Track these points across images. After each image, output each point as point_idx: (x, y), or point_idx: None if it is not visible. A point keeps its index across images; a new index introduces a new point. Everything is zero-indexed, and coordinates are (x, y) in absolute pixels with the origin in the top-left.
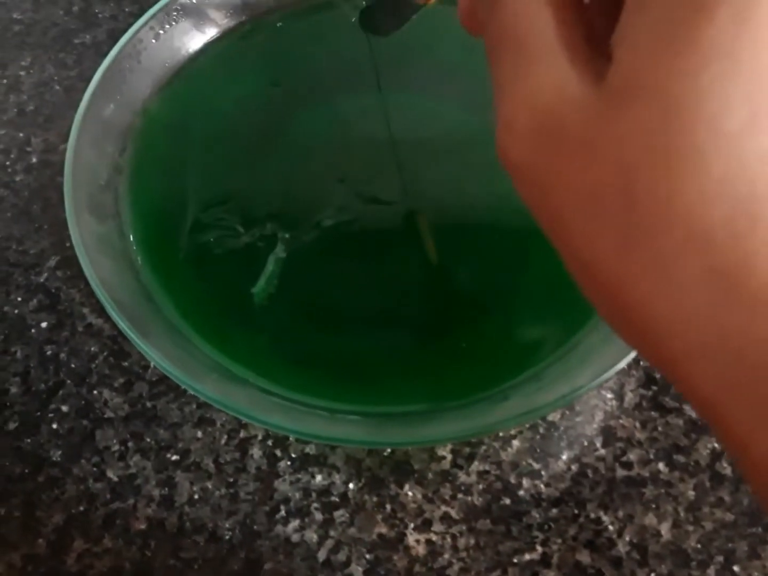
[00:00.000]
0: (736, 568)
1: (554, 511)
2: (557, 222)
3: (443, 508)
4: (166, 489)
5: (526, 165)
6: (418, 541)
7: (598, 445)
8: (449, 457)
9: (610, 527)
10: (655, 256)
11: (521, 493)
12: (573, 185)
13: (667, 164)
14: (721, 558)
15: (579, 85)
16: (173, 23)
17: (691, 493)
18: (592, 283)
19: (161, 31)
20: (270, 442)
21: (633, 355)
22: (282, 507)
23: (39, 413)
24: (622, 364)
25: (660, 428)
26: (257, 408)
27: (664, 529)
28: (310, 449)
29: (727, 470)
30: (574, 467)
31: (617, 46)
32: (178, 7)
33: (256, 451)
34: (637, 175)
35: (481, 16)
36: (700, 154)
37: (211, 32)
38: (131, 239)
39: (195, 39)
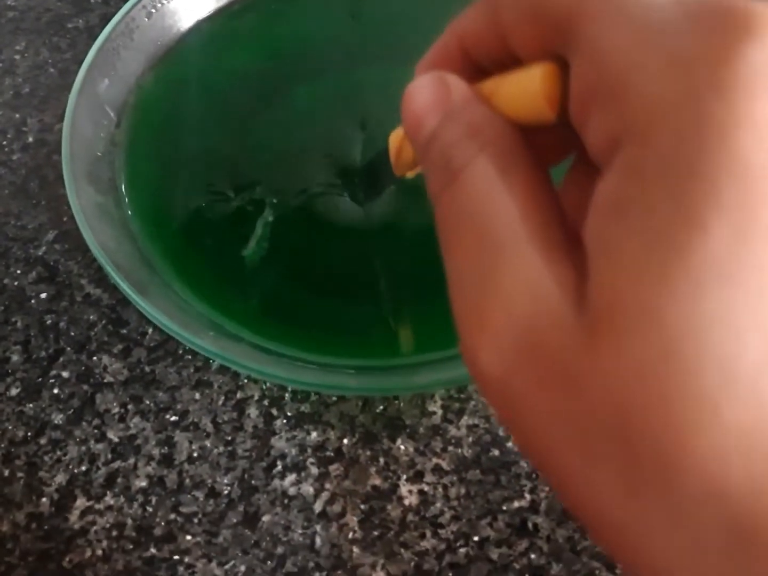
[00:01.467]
0: None
1: None
2: (540, 449)
3: (434, 460)
4: (166, 448)
5: (500, 380)
6: (410, 491)
7: None
8: (440, 412)
9: None
10: (665, 509)
11: (509, 444)
12: (559, 416)
13: (669, 412)
14: None
15: (557, 297)
16: (165, 2)
17: None
18: (594, 524)
19: (153, 10)
20: (266, 402)
21: None
22: (279, 462)
23: (40, 379)
24: None
25: None
26: (253, 360)
27: None
28: (305, 408)
29: None
30: None
31: (595, 255)
32: None
33: (252, 411)
34: (634, 420)
35: (432, 185)
36: (710, 400)
37: (202, 11)
38: (128, 207)
39: (186, 18)
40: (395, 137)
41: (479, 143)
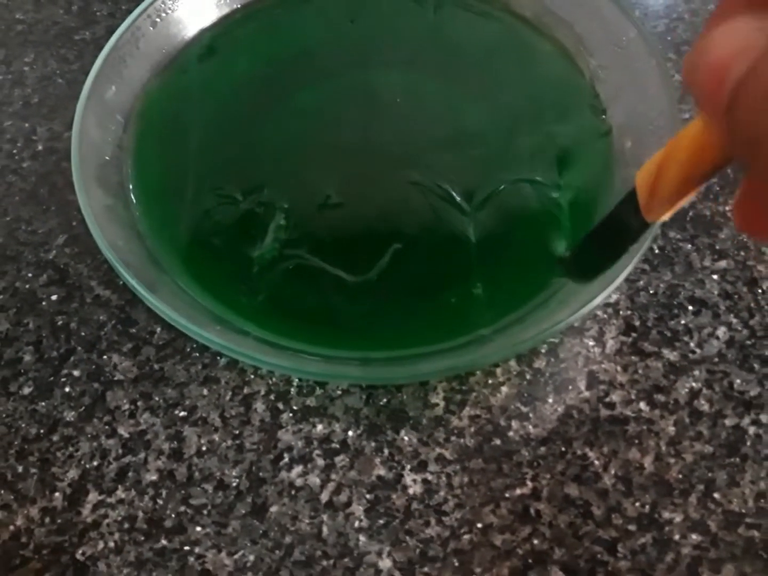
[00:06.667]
0: (716, 495)
1: (542, 449)
2: None
3: (438, 450)
4: (175, 442)
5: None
6: (414, 480)
7: (582, 388)
8: (442, 404)
9: (596, 462)
10: None
11: (510, 434)
12: None
13: None
14: (702, 487)
15: None
16: (169, 12)
17: (672, 429)
18: None
19: (158, 19)
20: (272, 397)
21: (607, 293)
22: (285, 455)
23: (52, 378)
24: (597, 301)
25: (640, 371)
26: (259, 353)
27: (647, 462)
28: (310, 401)
29: (705, 407)
30: (560, 409)
31: None
32: None
33: (259, 405)
34: None
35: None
36: None
37: (206, 20)
38: (136, 209)
39: (191, 26)
40: (646, 172)
41: None
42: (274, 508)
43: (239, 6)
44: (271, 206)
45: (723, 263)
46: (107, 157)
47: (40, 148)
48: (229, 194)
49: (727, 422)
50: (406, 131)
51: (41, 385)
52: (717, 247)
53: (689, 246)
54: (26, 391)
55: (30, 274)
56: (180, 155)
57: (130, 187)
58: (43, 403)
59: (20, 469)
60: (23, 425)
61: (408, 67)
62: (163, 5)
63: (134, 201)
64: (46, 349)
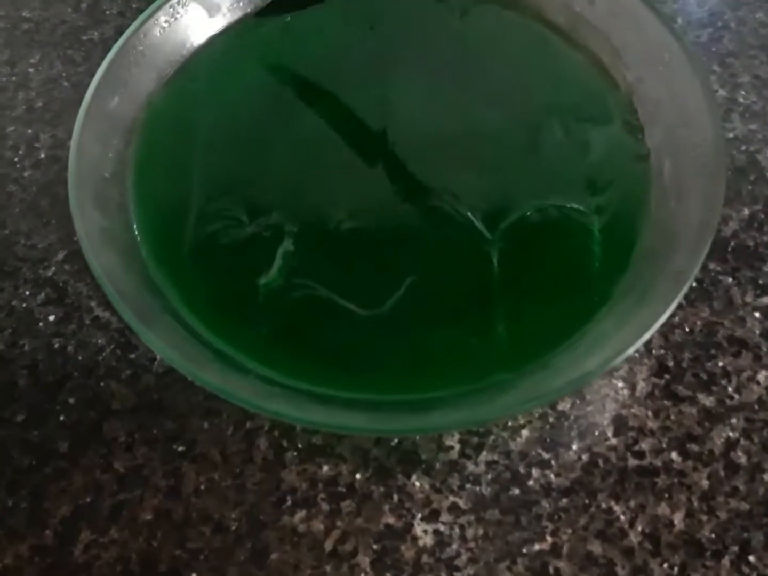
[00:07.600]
0: (751, 558)
1: (564, 500)
2: None
3: (451, 498)
4: (173, 480)
5: None
6: (425, 531)
7: (610, 434)
8: (457, 447)
9: (622, 517)
10: None
11: (530, 482)
12: None
13: None
14: (735, 548)
15: None
16: (178, 17)
17: (705, 483)
18: None
19: (166, 25)
20: (276, 433)
21: (642, 341)
22: (288, 497)
23: (47, 406)
24: (631, 350)
25: (673, 417)
26: (259, 396)
27: (677, 518)
28: (316, 440)
29: (742, 459)
30: (584, 457)
31: None
32: (183, 1)
33: (262, 442)
34: None
35: None
36: None
37: (215, 26)
38: (136, 232)
39: (199, 33)
40: None
41: None
42: (274, 555)
43: (252, 11)
44: (279, 230)
45: (766, 299)
46: (107, 175)
47: (42, 156)
48: (235, 216)
49: (766, 477)
50: (424, 157)
51: (35, 412)
52: (760, 282)
53: (730, 279)
54: (19, 418)
55: (27, 292)
56: (185, 173)
57: (132, 206)
58: (37, 432)
59: (10, 502)
60: (14, 455)
61: (430, 79)
62: (171, 10)
63: (134, 222)
64: (42, 374)
